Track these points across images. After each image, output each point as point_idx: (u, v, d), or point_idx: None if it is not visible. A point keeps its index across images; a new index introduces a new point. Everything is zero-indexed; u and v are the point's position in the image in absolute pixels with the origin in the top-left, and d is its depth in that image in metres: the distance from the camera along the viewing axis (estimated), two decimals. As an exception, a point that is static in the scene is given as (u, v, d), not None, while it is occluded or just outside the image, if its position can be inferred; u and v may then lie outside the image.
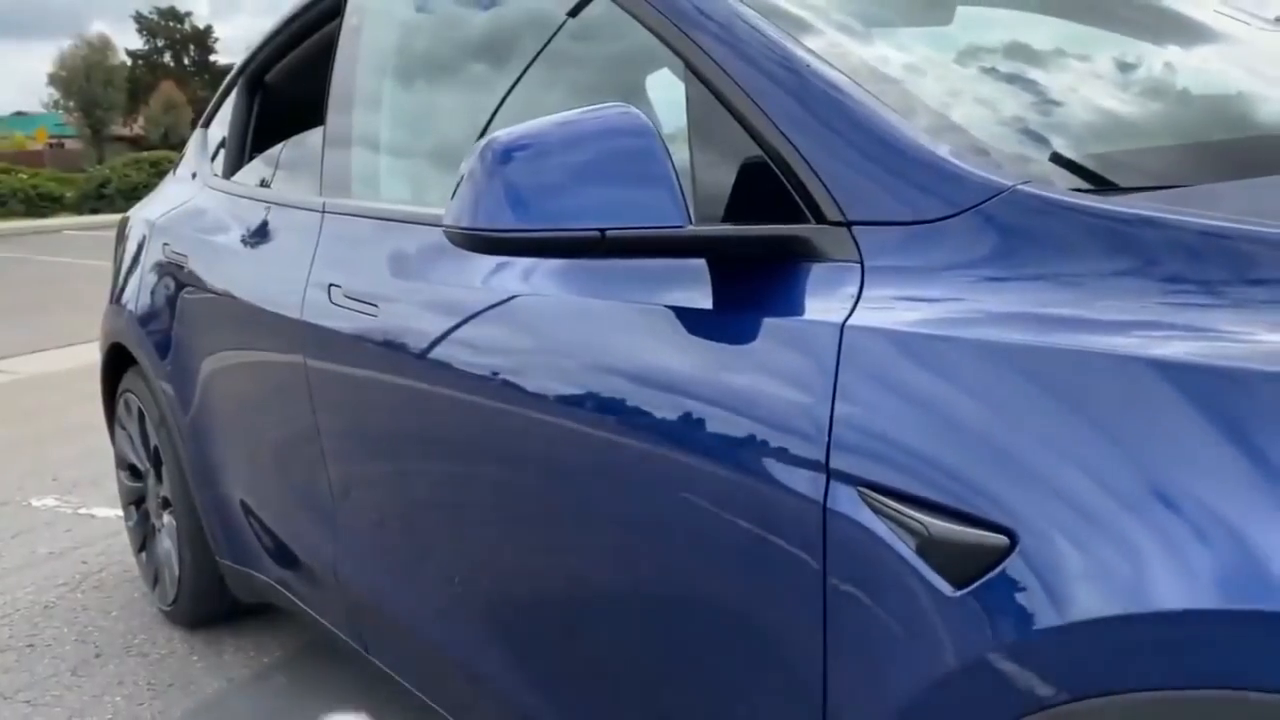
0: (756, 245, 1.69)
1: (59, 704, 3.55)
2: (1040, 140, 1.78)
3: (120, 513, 4.58)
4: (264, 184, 3.73)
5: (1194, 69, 2.33)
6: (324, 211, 2.94)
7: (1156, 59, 2.32)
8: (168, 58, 78.86)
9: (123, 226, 4.50)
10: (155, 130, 60.00)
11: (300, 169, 3.42)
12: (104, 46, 64.12)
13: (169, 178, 4.56)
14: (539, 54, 2.56)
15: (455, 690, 2.56)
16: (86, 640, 4.02)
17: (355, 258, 2.73)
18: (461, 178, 1.70)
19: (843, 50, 1.90)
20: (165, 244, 3.90)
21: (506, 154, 1.65)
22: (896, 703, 1.41)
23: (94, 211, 31.53)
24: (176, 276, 3.75)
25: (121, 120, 65.85)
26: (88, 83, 60.21)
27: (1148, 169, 1.71)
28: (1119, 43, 2.38)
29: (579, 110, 1.70)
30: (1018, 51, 2.21)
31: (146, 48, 79.16)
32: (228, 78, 4.18)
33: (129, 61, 71.33)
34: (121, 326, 4.12)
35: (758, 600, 1.62)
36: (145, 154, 37.38)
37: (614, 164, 1.65)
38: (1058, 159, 1.70)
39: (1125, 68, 2.24)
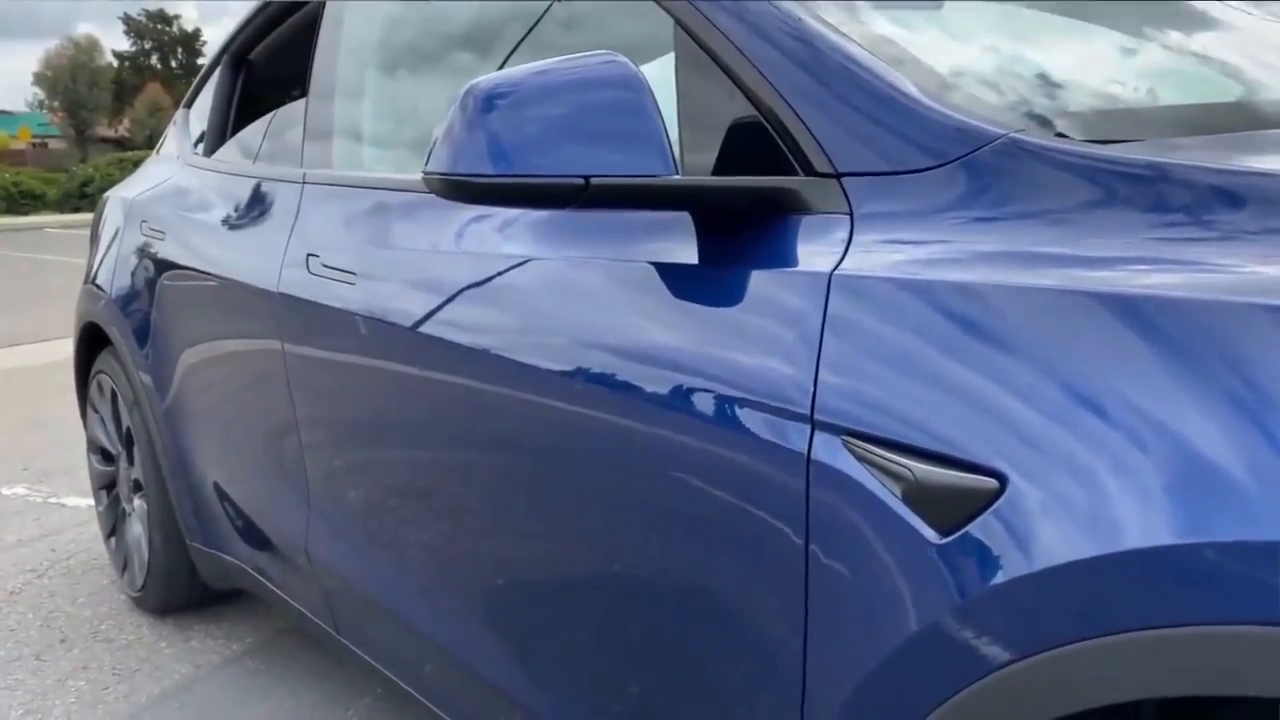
0: (744, 197, 1.66)
1: (20, 688, 3.49)
2: (1024, 97, 1.78)
3: (91, 502, 4.53)
4: (245, 160, 3.68)
5: (1169, 46, 2.33)
6: (304, 183, 2.90)
7: (1132, 39, 2.31)
8: (155, 60, 78.81)
9: (101, 206, 4.45)
10: (140, 132, 59.86)
11: (282, 144, 3.39)
12: (90, 47, 64.07)
13: (150, 159, 4.51)
14: (529, 32, 2.53)
15: (429, 671, 2.51)
16: (52, 626, 3.97)
17: (334, 227, 2.70)
18: (443, 125, 1.66)
19: (835, 13, 1.86)
20: (143, 221, 3.85)
21: (489, 102, 1.61)
22: (881, 652, 1.38)
23: (76, 210, 31.44)
24: (154, 254, 3.70)
25: (106, 121, 65.77)
26: (73, 83, 60.15)
27: (1113, 128, 1.69)
28: (1098, 30, 2.37)
29: (565, 58, 1.66)
30: (1003, 27, 2.21)
31: (134, 49, 79.11)
32: (211, 57, 4.14)
33: (115, 63, 71.28)
34: (96, 306, 4.07)
35: (740, 557, 1.59)
36: (129, 154, 37.34)
37: (600, 117, 1.61)
38: (1036, 114, 1.68)
39: (1100, 44, 2.24)
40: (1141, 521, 1.12)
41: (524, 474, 2.04)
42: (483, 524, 2.22)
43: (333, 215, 2.74)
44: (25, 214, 31.74)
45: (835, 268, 1.49)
